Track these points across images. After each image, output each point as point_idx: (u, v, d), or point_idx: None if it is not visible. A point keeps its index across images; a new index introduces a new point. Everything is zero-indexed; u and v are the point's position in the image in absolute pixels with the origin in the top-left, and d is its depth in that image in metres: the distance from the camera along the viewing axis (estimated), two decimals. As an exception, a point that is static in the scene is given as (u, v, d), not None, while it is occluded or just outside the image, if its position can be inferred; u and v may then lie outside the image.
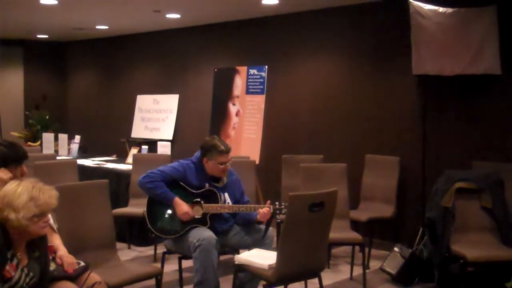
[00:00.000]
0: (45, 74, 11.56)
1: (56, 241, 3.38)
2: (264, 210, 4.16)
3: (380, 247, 6.17)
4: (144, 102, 9.78)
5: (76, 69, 11.60)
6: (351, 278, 5.37)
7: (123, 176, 6.62)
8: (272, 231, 4.37)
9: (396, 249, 5.29)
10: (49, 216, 3.08)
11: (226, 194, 4.35)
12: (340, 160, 5.66)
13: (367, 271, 5.20)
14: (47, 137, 8.31)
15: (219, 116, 7.94)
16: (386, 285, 5.17)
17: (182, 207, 4.19)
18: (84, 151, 8.78)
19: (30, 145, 8.74)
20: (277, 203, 4.20)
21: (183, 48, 9.15)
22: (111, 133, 10.22)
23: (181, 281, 4.56)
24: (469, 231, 4.78)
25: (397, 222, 6.13)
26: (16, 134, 9.43)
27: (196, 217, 4.22)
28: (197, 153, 4.40)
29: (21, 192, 2.81)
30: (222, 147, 4.26)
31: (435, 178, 5.18)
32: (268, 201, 4.24)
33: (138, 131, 9.75)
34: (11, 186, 2.86)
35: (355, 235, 5.00)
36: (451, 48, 5.59)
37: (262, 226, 4.30)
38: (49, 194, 2.87)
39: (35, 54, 11.35)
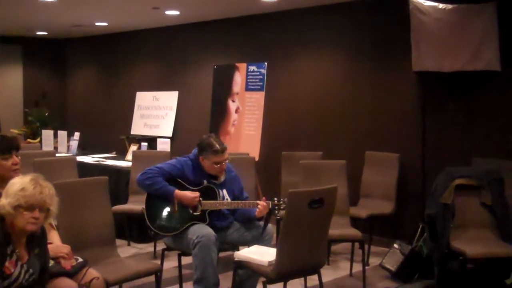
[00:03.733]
0: (44, 71, 11.55)
1: (54, 238, 3.39)
2: (260, 206, 4.16)
3: (380, 243, 6.17)
4: (144, 99, 9.77)
5: (75, 66, 11.59)
6: (351, 274, 5.37)
7: (122, 173, 6.62)
8: (271, 227, 4.37)
9: (395, 245, 5.29)
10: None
11: (225, 191, 4.34)
12: (340, 157, 5.66)
13: (366, 267, 5.20)
14: (47, 134, 8.30)
15: (218, 113, 7.93)
16: (386, 282, 5.17)
17: (186, 195, 4.18)
18: (84, 148, 8.77)
19: (29, 142, 8.73)
20: (275, 199, 4.20)
21: (182, 45, 9.14)
22: (110, 130, 10.21)
23: (180, 278, 4.56)
24: (468, 227, 4.78)
25: (396, 218, 6.13)
26: (15, 131, 9.41)
27: (195, 214, 4.22)
28: (195, 150, 4.38)
29: (18, 182, 2.87)
30: (217, 147, 4.21)
31: (434, 174, 5.18)
32: (263, 198, 4.24)
33: (138, 128, 9.75)
34: (18, 177, 2.95)
35: (354, 232, 5.00)
36: (451, 44, 5.58)
37: (261, 223, 4.30)
38: (41, 190, 2.85)
39: (34, 51, 11.33)
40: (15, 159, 3.43)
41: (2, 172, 3.37)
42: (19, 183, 2.85)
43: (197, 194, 4.21)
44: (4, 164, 3.38)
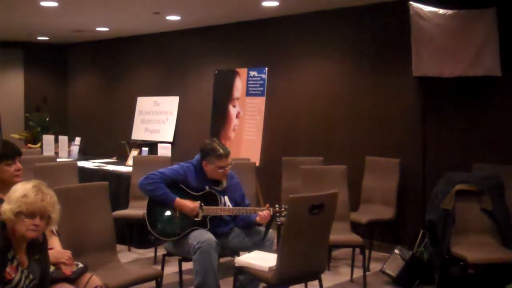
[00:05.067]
0: (46, 76, 11.56)
1: (55, 243, 3.39)
2: (264, 213, 4.17)
3: (381, 249, 6.16)
4: (145, 104, 9.78)
5: (76, 71, 11.60)
6: (352, 280, 5.36)
7: (123, 178, 6.62)
8: (272, 233, 4.37)
9: (396, 251, 5.28)
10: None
11: (226, 197, 4.35)
12: (340, 162, 5.66)
13: (367, 273, 5.20)
14: (47, 139, 8.31)
15: (219, 118, 7.94)
16: (387, 287, 5.16)
17: (187, 205, 4.19)
18: (84, 153, 8.78)
19: (30, 147, 8.74)
20: (277, 205, 4.20)
21: (183, 50, 9.15)
22: (111, 135, 10.22)
23: (181, 283, 4.56)
24: (469, 233, 4.78)
25: (397, 224, 6.12)
26: (16, 136, 9.42)
27: (196, 219, 4.22)
28: (198, 156, 4.39)
29: (20, 188, 2.86)
30: (221, 151, 4.24)
31: (435, 180, 5.18)
32: (267, 205, 4.24)
33: (139, 133, 9.75)
34: (20, 183, 2.94)
35: (355, 237, 5.00)
36: (451, 50, 5.59)
37: (262, 228, 4.30)
38: (43, 198, 2.84)
39: (35, 56, 11.34)
40: (18, 165, 3.46)
41: (5, 178, 3.38)
42: (21, 189, 2.85)
43: (197, 205, 4.21)
44: (7, 170, 3.40)
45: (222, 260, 4.58)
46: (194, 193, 4.27)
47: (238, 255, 4.25)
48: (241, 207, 4.31)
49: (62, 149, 8.32)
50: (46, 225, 2.91)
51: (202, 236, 4.05)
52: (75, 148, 8.27)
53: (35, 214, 2.82)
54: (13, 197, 2.82)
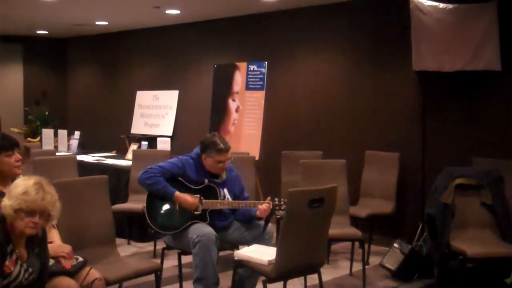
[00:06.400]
0: (45, 70, 11.55)
1: (55, 237, 3.39)
2: (263, 207, 4.16)
3: (380, 243, 6.17)
4: (144, 98, 9.77)
5: (75, 65, 11.59)
6: (351, 274, 5.37)
7: (122, 172, 6.62)
8: (271, 227, 4.37)
9: (395, 245, 5.29)
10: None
11: (226, 190, 4.35)
12: (340, 156, 5.65)
13: (366, 267, 5.20)
14: (47, 133, 8.31)
15: (218, 112, 7.93)
16: (386, 281, 5.17)
17: (186, 199, 4.19)
18: (84, 147, 8.78)
19: (29, 141, 8.74)
20: (276, 199, 4.20)
21: (183, 44, 9.14)
22: (110, 129, 10.21)
23: (180, 277, 4.56)
24: (468, 227, 4.78)
25: (396, 218, 6.13)
26: (15, 130, 9.42)
27: (195, 213, 4.22)
28: (196, 149, 4.39)
29: (22, 184, 2.84)
30: (221, 146, 4.23)
31: (435, 174, 5.18)
32: (269, 197, 4.23)
33: (138, 127, 9.75)
34: (22, 178, 2.94)
35: (354, 231, 5.00)
36: (451, 44, 5.58)
37: (262, 222, 4.30)
38: (43, 196, 2.82)
39: (35, 50, 11.33)
40: (18, 155, 3.46)
41: (6, 169, 3.38)
42: (22, 185, 2.82)
43: (196, 200, 4.21)
44: (7, 161, 3.40)
45: (222, 253, 4.57)
46: (193, 187, 4.27)
47: (238, 249, 4.26)
48: (240, 201, 4.31)
49: (61, 143, 8.32)
50: (46, 222, 2.90)
51: (201, 230, 4.05)
52: (74, 142, 8.27)
53: (35, 212, 2.80)
54: (13, 193, 2.80)
